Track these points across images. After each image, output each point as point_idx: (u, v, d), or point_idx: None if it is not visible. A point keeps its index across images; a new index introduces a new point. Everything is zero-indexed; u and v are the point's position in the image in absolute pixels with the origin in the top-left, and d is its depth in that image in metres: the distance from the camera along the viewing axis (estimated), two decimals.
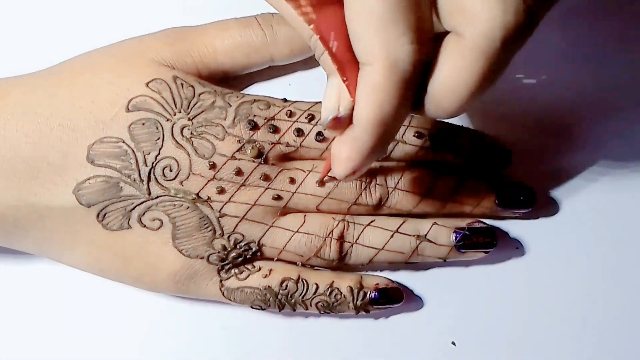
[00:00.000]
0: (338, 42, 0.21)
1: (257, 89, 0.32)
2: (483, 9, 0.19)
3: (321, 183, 0.29)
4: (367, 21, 0.19)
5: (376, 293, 0.30)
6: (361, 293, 0.29)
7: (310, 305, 0.29)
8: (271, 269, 0.29)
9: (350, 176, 0.22)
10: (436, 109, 0.21)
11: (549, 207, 0.32)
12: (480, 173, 0.30)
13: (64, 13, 0.33)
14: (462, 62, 0.20)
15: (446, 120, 0.30)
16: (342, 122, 0.21)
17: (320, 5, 0.21)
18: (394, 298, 0.30)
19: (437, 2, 0.20)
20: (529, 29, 0.20)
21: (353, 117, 0.21)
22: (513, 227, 0.32)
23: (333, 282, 0.29)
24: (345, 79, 0.21)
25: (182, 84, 0.28)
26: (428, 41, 0.20)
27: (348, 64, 0.21)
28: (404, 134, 0.29)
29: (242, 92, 0.29)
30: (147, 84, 0.28)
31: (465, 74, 0.20)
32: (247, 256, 0.29)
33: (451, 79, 0.20)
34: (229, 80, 0.31)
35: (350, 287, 0.29)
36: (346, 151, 0.21)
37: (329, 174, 0.28)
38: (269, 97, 0.29)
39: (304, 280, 0.29)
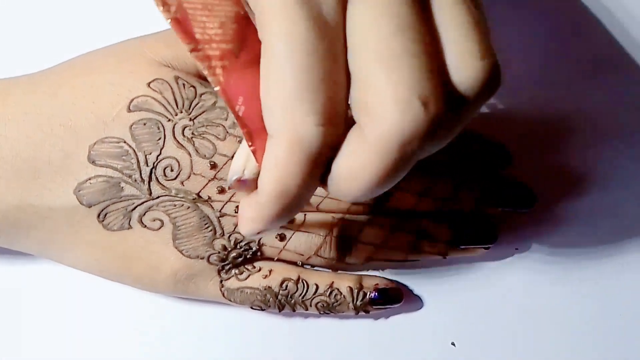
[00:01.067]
0: (247, 107, 0.20)
1: None
2: (383, 110, 0.18)
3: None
4: (276, 95, 0.18)
5: (376, 293, 0.30)
6: (361, 293, 0.29)
7: (310, 305, 0.29)
8: (271, 270, 0.29)
9: (257, 235, 0.21)
10: (336, 192, 0.20)
11: (549, 207, 0.32)
12: (480, 173, 0.30)
13: (64, 13, 0.33)
14: (360, 156, 0.19)
15: None
16: (247, 185, 0.21)
17: (234, 68, 0.20)
18: (393, 298, 0.30)
19: (350, 89, 0.19)
20: (432, 137, 0.18)
21: (258, 184, 0.20)
22: (513, 227, 0.32)
23: (333, 282, 0.29)
24: (250, 144, 0.20)
25: (183, 84, 0.28)
26: (339, 124, 0.19)
27: (257, 131, 0.20)
28: None
29: None
30: (148, 84, 0.28)
31: (362, 168, 0.19)
32: (247, 256, 0.29)
33: (349, 169, 0.19)
34: None
35: (350, 288, 0.29)
36: (250, 214, 0.21)
37: None
38: None
39: (303, 281, 0.29)
